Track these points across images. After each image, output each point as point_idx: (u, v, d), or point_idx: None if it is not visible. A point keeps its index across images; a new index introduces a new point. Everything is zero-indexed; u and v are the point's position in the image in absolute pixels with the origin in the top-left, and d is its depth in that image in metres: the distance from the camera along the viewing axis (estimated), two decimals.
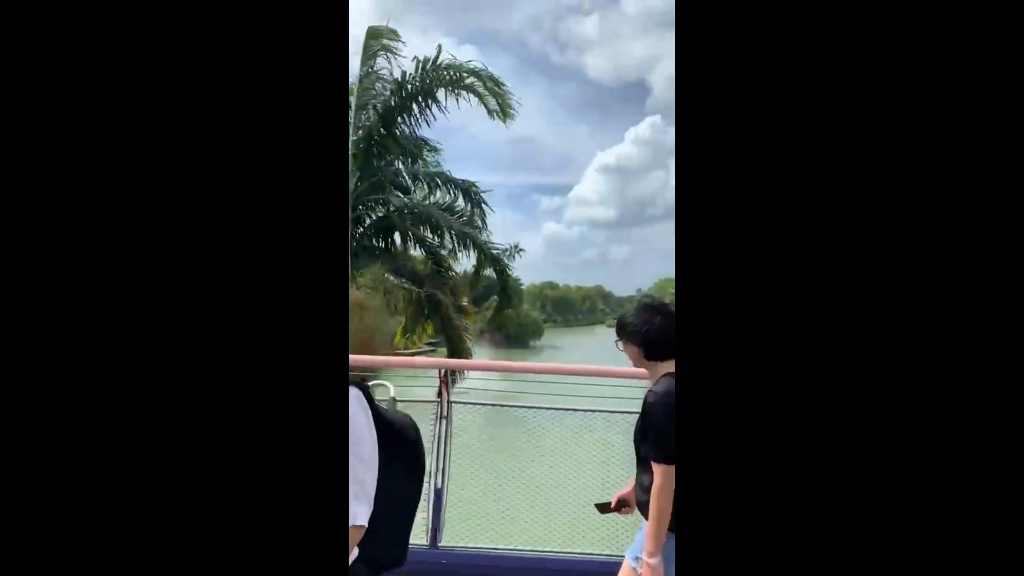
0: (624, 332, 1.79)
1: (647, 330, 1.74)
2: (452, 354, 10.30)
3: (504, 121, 9.41)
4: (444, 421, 3.02)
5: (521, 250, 11.08)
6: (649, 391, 1.72)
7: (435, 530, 2.92)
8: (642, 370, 1.86)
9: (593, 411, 3.12)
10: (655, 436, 1.64)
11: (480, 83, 9.22)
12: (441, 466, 2.99)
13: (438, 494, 2.95)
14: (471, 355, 10.60)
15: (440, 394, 3.02)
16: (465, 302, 10.39)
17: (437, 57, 9.20)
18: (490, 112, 9.31)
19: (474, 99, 9.27)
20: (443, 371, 3.00)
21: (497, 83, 9.27)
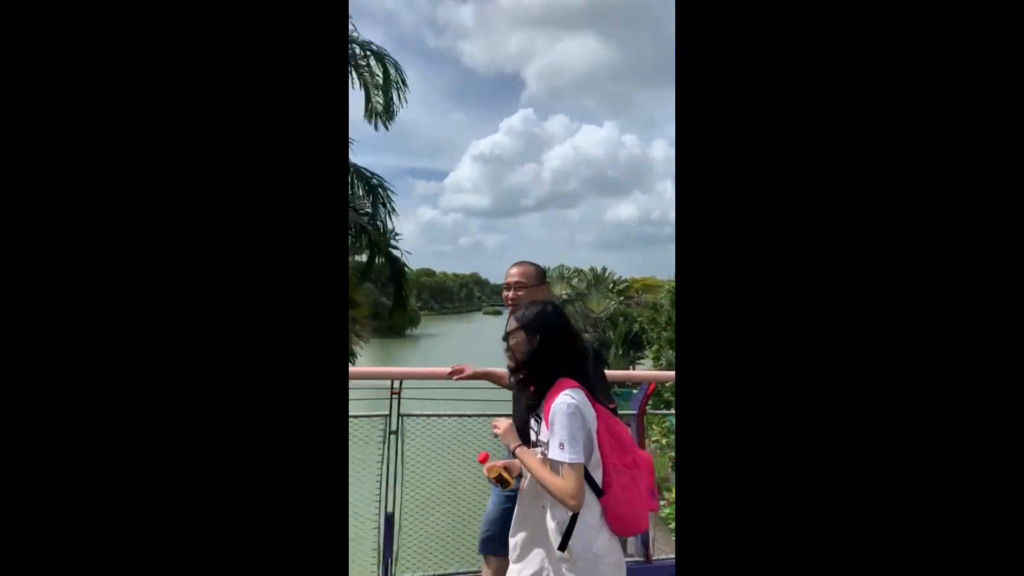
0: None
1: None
2: None
3: (384, 123, 8.49)
4: (394, 437, 2.68)
5: (398, 235, 10.26)
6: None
7: (387, 561, 2.59)
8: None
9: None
10: None
11: (377, 70, 8.33)
12: (393, 489, 2.65)
13: (389, 520, 2.62)
14: (353, 352, 10.11)
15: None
16: (356, 296, 9.70)
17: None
18: (368, 112, 8.42)
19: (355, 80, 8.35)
20: (394, 381, 2.65)
21: (401, 79, 8.38)
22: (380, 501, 2.65)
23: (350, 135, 9.32)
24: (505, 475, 1.67)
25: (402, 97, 8.47)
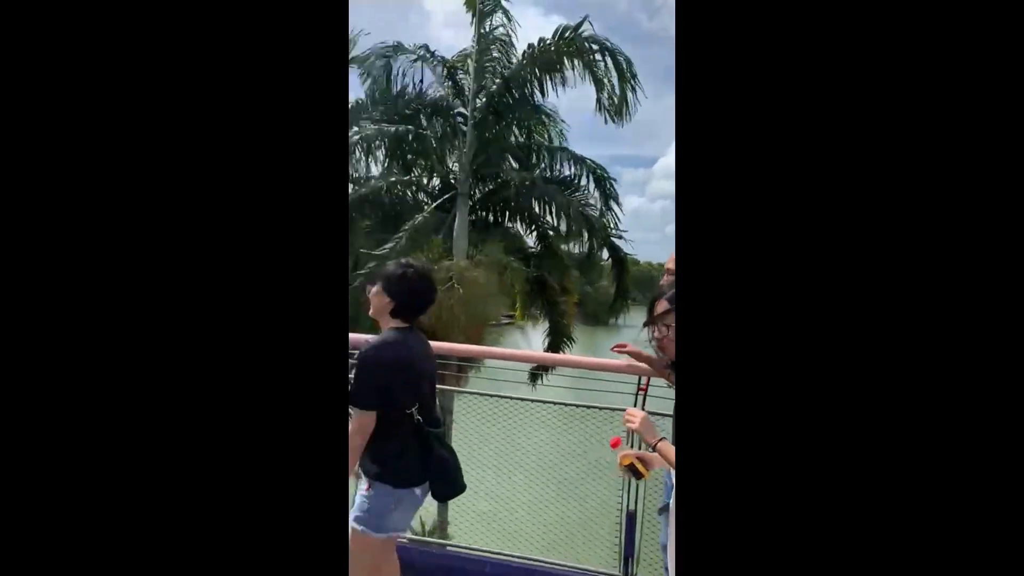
0: (387, 281, 1.80)
1: (410, 288, 1.81)
2: (554, 334, 10.09)
3: (616, 121, 8.52)
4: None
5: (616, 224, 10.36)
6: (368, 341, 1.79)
7: (628, 560, 2.57)
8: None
9: None
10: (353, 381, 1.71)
11: (611, 68, 8.44)
12: (636, 488, 2.62)
13: (631, 519, 2.60)
14: (571, 336, 10.48)
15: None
16: (570, 284, 10.02)
17: (580, 25, 8.54)
18: (600, 106, 8.50)
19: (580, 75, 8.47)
20: (642, 378, 2.59)
21: (632, 74, 8.39)
22: (622, 499, 2.64)
23: (568, 126, 9.56)
24: (638, 465, 1.51)
25: (637, 97, 8.54)
